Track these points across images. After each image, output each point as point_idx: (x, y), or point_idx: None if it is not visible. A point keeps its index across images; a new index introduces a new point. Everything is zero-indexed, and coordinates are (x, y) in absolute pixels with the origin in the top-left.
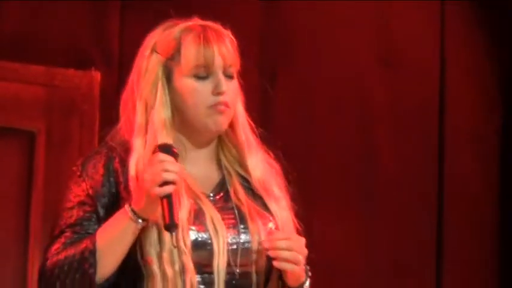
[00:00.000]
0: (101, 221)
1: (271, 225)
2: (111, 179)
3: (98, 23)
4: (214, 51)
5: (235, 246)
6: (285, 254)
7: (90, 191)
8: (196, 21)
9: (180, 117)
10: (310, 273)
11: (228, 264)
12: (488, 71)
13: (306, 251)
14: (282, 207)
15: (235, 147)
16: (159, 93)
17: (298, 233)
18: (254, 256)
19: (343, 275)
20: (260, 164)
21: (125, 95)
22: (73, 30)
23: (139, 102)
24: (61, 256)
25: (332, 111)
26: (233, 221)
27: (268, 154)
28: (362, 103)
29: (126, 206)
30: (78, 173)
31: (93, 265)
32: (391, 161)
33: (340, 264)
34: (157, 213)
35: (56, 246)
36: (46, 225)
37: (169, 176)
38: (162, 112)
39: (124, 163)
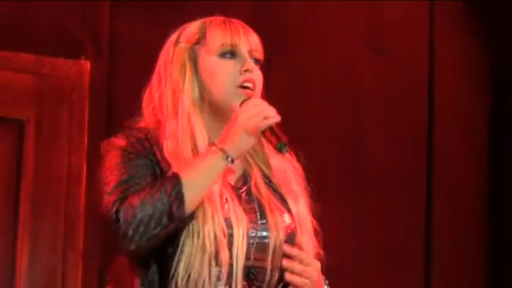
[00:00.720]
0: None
1: (286, 217)
2: (149, 150)
3: (88, 13)
4: (240, 33)
5: (253, 241)
6: (296, 279)
7: (132, 150)
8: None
9: (209, 101)
10: (327, 282)
11: (247, 258)
12: (477, 57)
13: (315, 277)
14: (300, 206)
15: (258, 143)
16: (187, 76)
17: (316, 232)
18: (271, 251)
19: (332, 265)
20: (282, 162)
21: (150, 88)
22: (63, 20)
23: (168, 87)
24: (136, 196)
25: (323, 100)
26: (253, 215)
27: (290, 154)
28: (352, 91)
29: (213, 148)
30: (114, 141)
31: (181, 197)
32: (381, 149)
33: (329, 253)
34: (245, 151)
35: (120, 195)
36: (35, 213)
37: (269, 112)
38: (191, 94)
39: (157, 143)
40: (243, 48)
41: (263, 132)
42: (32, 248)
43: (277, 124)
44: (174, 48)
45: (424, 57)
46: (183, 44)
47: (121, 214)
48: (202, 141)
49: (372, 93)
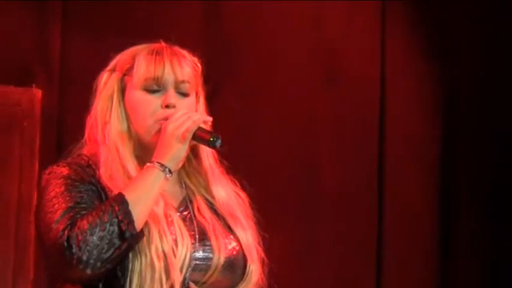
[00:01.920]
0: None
1: (233, 245)
2: (92, 177)
3: (39, 41)
4: (165, 65)
5: (194, 262)
6: None
7: (76, 177)
8: (159, 43)
9: (135, 132)
10: None
11: (185, 279)
12: (429, 82)
13: None
14: (247, 234)
15: (200, 173)
16: (113, 108)
17: (263, 261)
18: (213, 273)
19: None
20: (225, 191)
21: (90, 113)
22: (14, 47)
23: (98, 117)
24: (84, 221)
25: (275, 126)
26: (192, 238)
27: (234, 183)
28: (305, 117)
29: (149, 164)
30: (56, 169)
31: (129, 215)
32: (334, 176)
33: (281, 277)
34: (181, 160)
35: (68, 222)
36: None
37: (195, 116)
38: (117, 126)
39: (98, 169)
40: (168, 82)
41: (194, 134)
42: None
43: (206, 125)
44: (107, 77)
45: (376, 84)
46: (115, 73)
47: (72, 241)
48: (133, 169)
49: (325, 119)
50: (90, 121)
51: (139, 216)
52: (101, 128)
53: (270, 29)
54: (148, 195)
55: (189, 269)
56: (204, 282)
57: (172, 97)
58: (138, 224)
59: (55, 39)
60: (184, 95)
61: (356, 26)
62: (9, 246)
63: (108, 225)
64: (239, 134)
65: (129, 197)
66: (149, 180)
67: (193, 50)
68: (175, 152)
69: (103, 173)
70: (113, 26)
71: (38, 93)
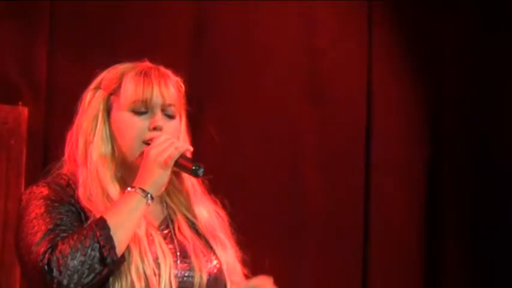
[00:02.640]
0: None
1: (214, 263)
2: (71, 197)
3: (25, 58)
4: (153, 88)
5: (178, 280)
6: None
7: (56, 198)
8: (144, 63)
9: (118, 153)
10: None
11: None
12: (415, 104)
13: None
14: (228, 253)
15: (181, 193)
16: (98, 128)
17: (246, 278)
18: None
19: None
20: (206, 211)
21: (71, 130)
22: (0, 66)
23: (80, 136)
24: (66, 245)
25: (259, 146)
26: (174, 256)
27: (215, 203)
28: (290, 138)
29: (131, 189)
30: (36, 190)
31: (110, 240)
32: (319, 192)
33: None
34: (163, 186)
35: (48, 244)
36: None
37: (178, 144)
38: (101, 147)
39: (75, 189)
40: (156, 104)
41: (176, 161)
42: None
43: (189, 153)
44: (91, 95)
45: (362, 104)
46: (101, 92)
47: (53, 265)
48: (114, 191)
49: (310, 135)
50: (71, 139)
51: (120, 241)
52: (83, 147)
53: (255, 43)
54: (130, 220)
55: (176, 286)
56: None
57: (160, 120)
58: (120, 249)
59: (41, 56)
60: (171, 117)
61: (341, 42)
62: None
63: (89, 250)
64: (223, 156)
65: (111, 221)
66: (131, 205)
67: (179, 66)
68: (156, 178)
69: (81, 194)
70: (100, 43)
71: (24, 111)
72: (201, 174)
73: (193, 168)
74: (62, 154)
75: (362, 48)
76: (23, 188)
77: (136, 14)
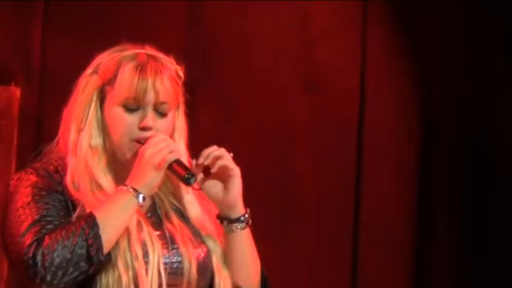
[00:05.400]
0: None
1: (203, 249)
2: (59, 184)
3: (19, 39)
4: (147, 86)
5: (166, 266)
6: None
7: (44, 186)
8: (145, 50)
9: (110, 146)
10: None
11: (160, 283)
12: (408, 95)
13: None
14: (216, 242)
15: (172, 182)
16: (90, 117)
17: None
18: (185, 281)
19: None
20: (196, 201)
21: (65, 111)
22: None
23: (73, 122)
24: (53, 240)
25: (252, 136)
26: (164, 241)
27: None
28: (283, 128)
29: (123, 187)
30: (24, 176)
31: (98, 240)
32: (312, 184)
33: None
34: (156, 187)
35: (34, 236)
36: None
37: (174, 147)
38: (91, 137)
39: (63, 175)
40: (148, 102)
41: (170, 165)
42: None
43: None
44: (89, 78)
45: (356, 94)
46: (97, 78)
47: (38, 259)
48: (105, 181)
49: (303, 126)
50: (65, 122)
51: (108, 240)
52: (74, 133)
53: (249, 33)
54: (120, 219)
55: (165, 273)
56: (177, 286)
57: (150, 120)
58: (106, 248)
59: (36, 38)
60: (163, 115)
61: (336, 32)
62: None
63: (76, 247)
64: (215, 141)
65: (100, 219)
66: (121, 204)
67: (174, 50)
68: (149, 179)
69: (69, 183)
70: (94, 26)
71: (16, 91)
72: (192, 183)
73: (186, 176)
74: (55, 136)
75: (356, 38)
76: (13, 170)
77: None
